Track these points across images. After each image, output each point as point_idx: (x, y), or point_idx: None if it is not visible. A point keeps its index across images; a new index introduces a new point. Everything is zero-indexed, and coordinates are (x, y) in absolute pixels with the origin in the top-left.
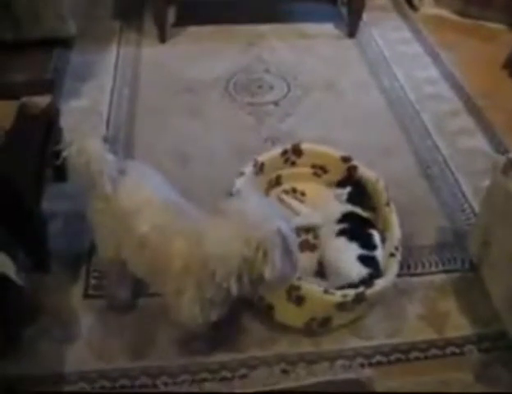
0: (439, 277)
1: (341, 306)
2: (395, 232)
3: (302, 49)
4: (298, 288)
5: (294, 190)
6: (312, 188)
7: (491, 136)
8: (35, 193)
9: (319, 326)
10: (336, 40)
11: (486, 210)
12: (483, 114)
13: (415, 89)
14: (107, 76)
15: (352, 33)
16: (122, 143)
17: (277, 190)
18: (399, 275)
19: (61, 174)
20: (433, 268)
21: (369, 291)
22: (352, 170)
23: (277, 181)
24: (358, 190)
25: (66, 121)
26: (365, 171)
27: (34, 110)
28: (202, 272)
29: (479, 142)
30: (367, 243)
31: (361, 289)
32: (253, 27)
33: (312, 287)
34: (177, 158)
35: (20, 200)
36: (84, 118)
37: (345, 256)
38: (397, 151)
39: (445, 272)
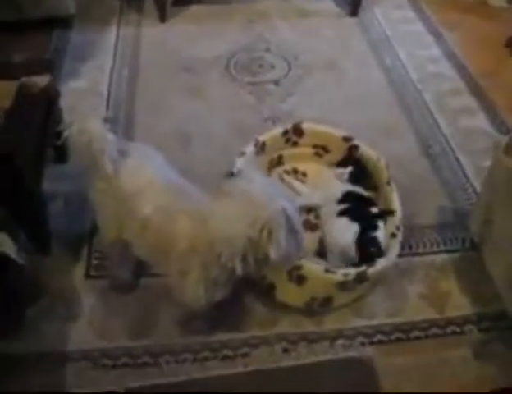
0: (440, 257)
1: (342, 285)
2: (397, 210)
3: (303, 28)
4: (299, 267)
5: (295, 171)
6: (313, 168)
7: (492, 116)
8: (35, 173)
9: (320, 306)
10: (337, 19)
11: (487, 189)
12: (485, 93)
13: (417, 69)
14: (107, 56)
15: (354, 11)
16: (122, 123)
17: (279, 170)
18: (400, 255)
19: (61, 155)
20: (434, 248)
21: (371, 270)
22: (353, 149)
23: (279, 161)
24: (359, 169)
25: (65, 102)
26: (366, 151)
27: (34, 90)
28: (207, 253)
29: (481, 121)
30: (368, 223)
31: (362, 268)
32: (254, 5)
33: (313, 266)
34: (178, 138)
35: (20, 181)
36: (83, 98)
37: (346, 236)
38: (398, 130)
39: (447, 251)
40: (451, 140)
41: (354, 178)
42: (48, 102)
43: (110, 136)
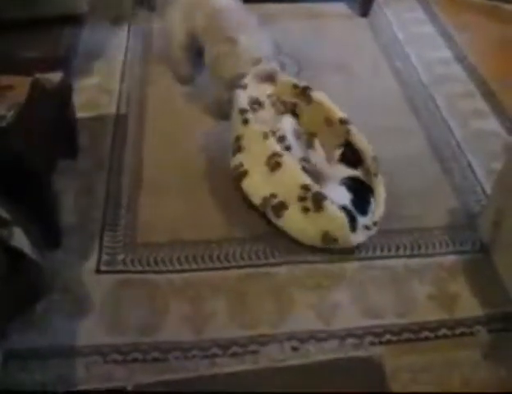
0: (450, 258)
1: (304, 192)
2: (380, 205)
3: (314, 29)
4: (281, 155)
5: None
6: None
7: (503, 119)
8: (47, 168)
9: (273, 209)
10: (348, 20)
11: (498, 191)
12: (497, 96)
13: (428, 71)
14: (119, 53)
15: (365, 13)
16: (133, 120)
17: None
18: (410, 255)
19: (72, 150)
20: (444, 249)
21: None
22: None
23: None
24: (350, 151)
25: (77, 98)
26: (359, 138)
27: (48, 86)
28: None
29: (492, 124)
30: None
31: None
32: (265, 6)
33: (294, 160)
34: (189, 136)
35: (33, 175)
36: (95, 95)
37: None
38: (409, 132)
39: (456, 253)
40: (462, 142)
41: (345, 159)
42: (62, 97)
43: None
